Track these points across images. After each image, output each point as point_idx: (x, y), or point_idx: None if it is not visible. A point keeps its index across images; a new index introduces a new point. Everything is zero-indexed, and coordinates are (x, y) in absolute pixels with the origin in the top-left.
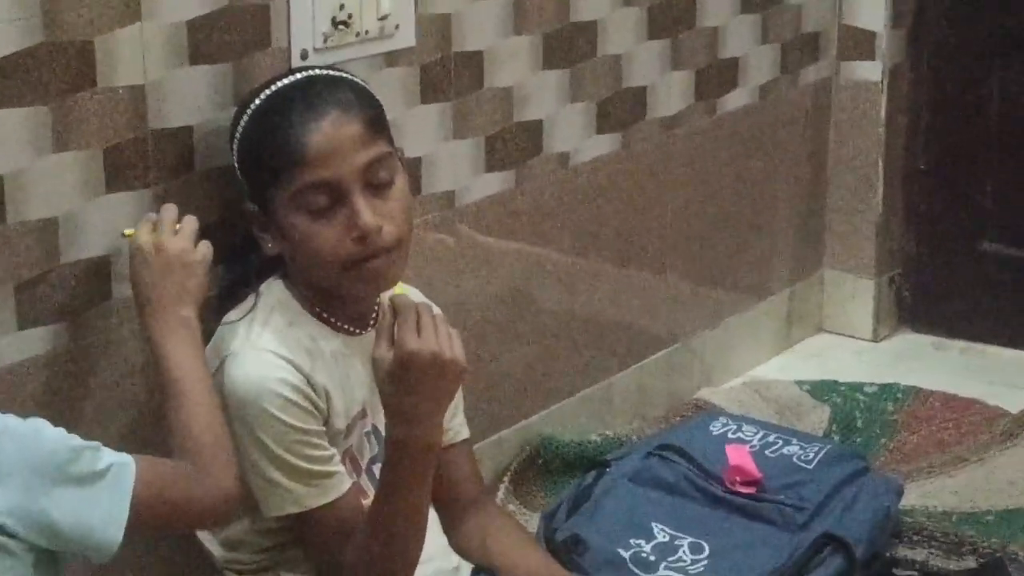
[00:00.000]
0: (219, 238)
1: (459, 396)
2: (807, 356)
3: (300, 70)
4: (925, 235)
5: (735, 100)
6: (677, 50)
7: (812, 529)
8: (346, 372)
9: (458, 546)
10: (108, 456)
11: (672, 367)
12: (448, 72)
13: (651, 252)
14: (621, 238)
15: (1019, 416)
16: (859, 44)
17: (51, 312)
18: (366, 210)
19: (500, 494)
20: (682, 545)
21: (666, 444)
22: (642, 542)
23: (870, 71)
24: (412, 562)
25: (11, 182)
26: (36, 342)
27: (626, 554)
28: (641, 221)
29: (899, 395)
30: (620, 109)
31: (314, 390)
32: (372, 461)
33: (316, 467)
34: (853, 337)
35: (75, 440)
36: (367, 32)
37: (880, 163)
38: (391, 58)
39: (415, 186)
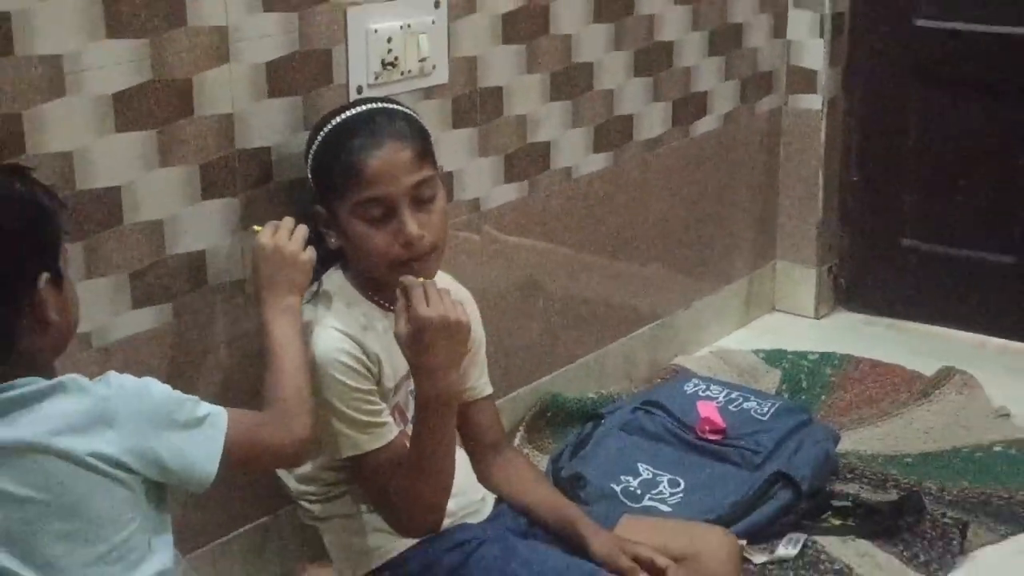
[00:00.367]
0: None
1: (483, 360)
2: (762, 331)
3: (363, 101)
4: (856, 233)
5: (704, 125)
6: (658, 86)
7: (766, 468)
8: (392, 343)
9: (484, 482)
10: (206, 407)
11: (653, 339)
12: (474, 103)
13: (636, 247)
14: (612, 236)
15: (932, 378)
16: (803, 80)
17: (158, 295)
18: (411, 222)
19: (517, 440)
20: (662, 481)
21: (649, 400)
22: (630, 478)
23: (812, 102)
24: (444, 488)
25: (126, 191)
26: (146, 319)
27: (617, 488)
28: (629, 222)
29: (836, 362)
30: (612, 133)
31: (368, 358)
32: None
33: (370, 419)
34: (799, 315)
35: (178, 394)
36: (410, 71)
37: (820, 176)
38: (428, 92)
39: (449, 194)
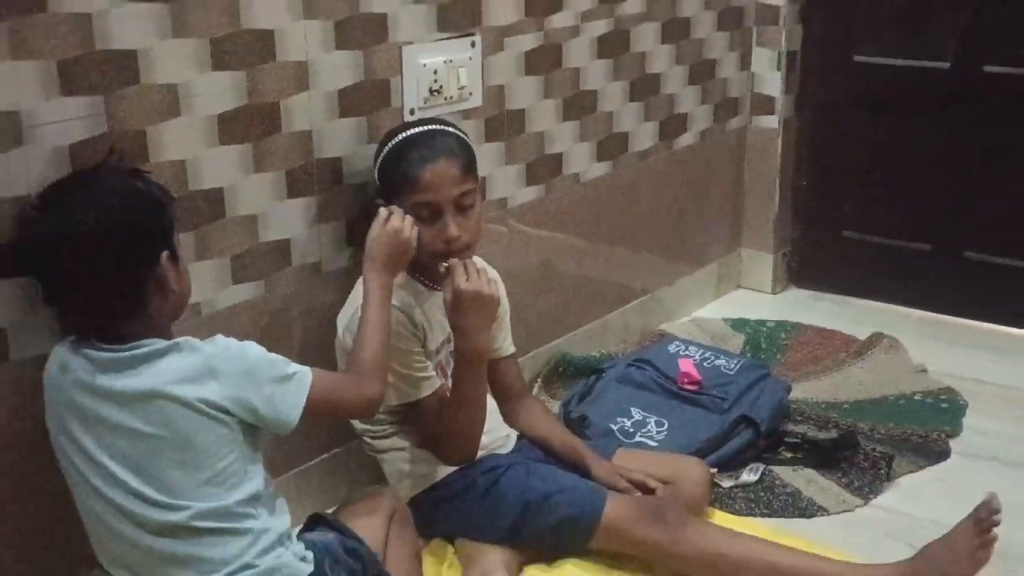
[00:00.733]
0: (357, 227)
1: (508, 324)
2: (730, 303)
3: (424, 122)
4: (806, 226)
5: (685, 141)
6: (648, 108)
7: (732, 412)
8: (435, 314)
9: (509, 423)
10: (294, 367)
11: (644, 310)
12: (503, 123)
13: (631, 237)
14: (612, 228)
15: (865, 342)
16: (764, 105)
17: (253, 273)
18: (453, 225)
19: (535, 390)
20: (650, 421)
21: (640, 358)
22: (625, 420)
23: (770, 122)
24: (478, 423)
25: (228, 192)
26: (244, 292)
27: (615, 427)
28: (625, 218)
29: (789, 328)
30: (611, 146)
31: (415, 326)
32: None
33: (419, 374)
34: (759, 291)
35: (272, 355)
36: (451, 97)
37: (777, 181)
38: (466, 113)
39: (482, 194)
